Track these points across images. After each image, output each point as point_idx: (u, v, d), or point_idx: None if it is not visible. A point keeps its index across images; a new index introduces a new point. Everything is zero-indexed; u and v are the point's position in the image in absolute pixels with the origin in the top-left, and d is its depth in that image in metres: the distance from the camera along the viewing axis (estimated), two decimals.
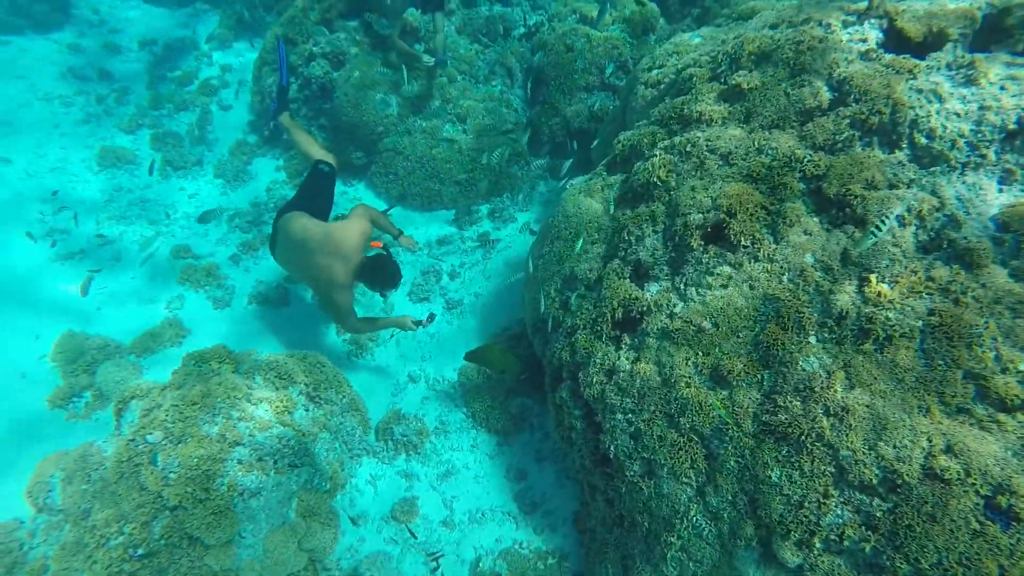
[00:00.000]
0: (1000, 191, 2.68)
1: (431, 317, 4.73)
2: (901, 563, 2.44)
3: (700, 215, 3.23)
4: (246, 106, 7.04)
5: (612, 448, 3.34)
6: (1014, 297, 2.47)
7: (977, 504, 2.33)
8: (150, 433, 3.44)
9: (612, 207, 3.87)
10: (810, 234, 2.93)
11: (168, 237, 5.84)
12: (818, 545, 2.62)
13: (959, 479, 2.34)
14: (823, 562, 2.62)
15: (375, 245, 4.37)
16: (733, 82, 3.43)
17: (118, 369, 4.71)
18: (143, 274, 5.54)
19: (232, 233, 5.89)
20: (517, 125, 6.26)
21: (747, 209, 3.07)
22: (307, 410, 4.08)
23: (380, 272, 4.25)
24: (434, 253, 5.93)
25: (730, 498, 2.90)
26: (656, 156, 3.55)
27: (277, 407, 3.82)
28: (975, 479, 2.33)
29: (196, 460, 3.42)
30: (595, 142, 5.55)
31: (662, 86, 4.35)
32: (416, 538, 4.15)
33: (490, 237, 5.96)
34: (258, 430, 3.66)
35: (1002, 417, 2.40)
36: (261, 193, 6.24)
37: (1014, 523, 2.29)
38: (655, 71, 4.55)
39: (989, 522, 2.32)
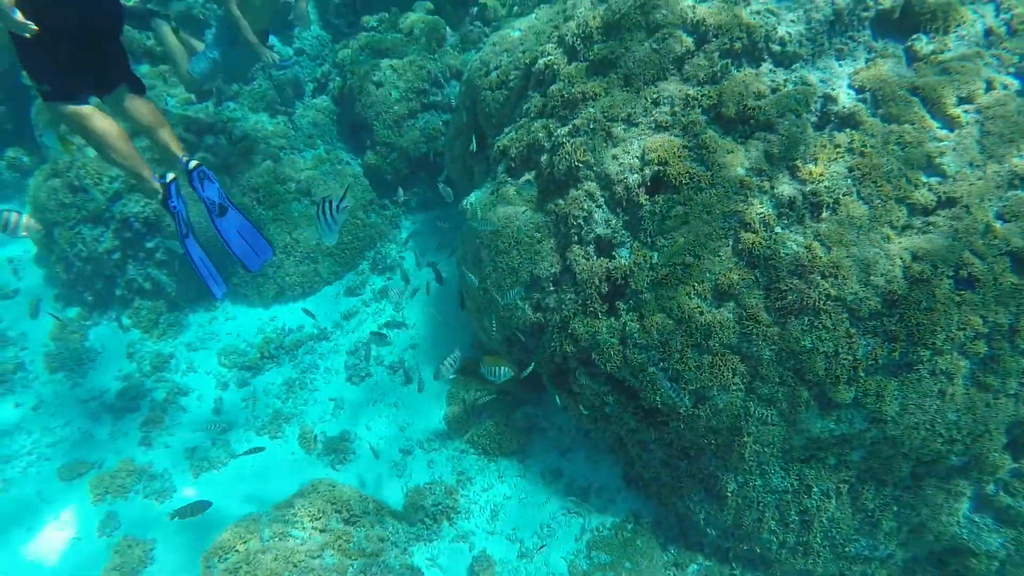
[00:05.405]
0: (840, 65, 3.47)
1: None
2: (923, 351, 3.14)
3: (636, 175, 3.63)
4: (41, 278, 5.86)
5: (657, 399, 3.66)
6: (894, 135, 3.26)
7: (950, 284, 3.10)
8: None
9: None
10: (731, 152, 3.49)
11: (42, 462, 4.79)
12: (862, 374, 3.24)
13: (932, 274, 3.08)
14: (871, 384, 3.25)
15: None
16: (598, 57, 3.84)
17: None
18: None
19: (121, 421, 5.00)
20: (356, 177, 6.13)
21: (675, 152, 3.54)
22: (356, 532, 3.79)
23: None
24: (347, 328, 5.67)
25: (778, 380, 3.41)
26: (566, 143, 3.85)
27: (339, 545, 3.52)
28: (941, 267, 3.08)
29: None
30: (446, 157, 5.69)
31: (511, 84, 4.64)
32: None
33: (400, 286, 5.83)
34: (337, 574, 3.36)
35: (931, 218, 3.19)
36: (124, 363, 5.35)
37: (976, 283, 3.09)
38: (492, 73, 4.82)
39: (962, 292, 3.10)
